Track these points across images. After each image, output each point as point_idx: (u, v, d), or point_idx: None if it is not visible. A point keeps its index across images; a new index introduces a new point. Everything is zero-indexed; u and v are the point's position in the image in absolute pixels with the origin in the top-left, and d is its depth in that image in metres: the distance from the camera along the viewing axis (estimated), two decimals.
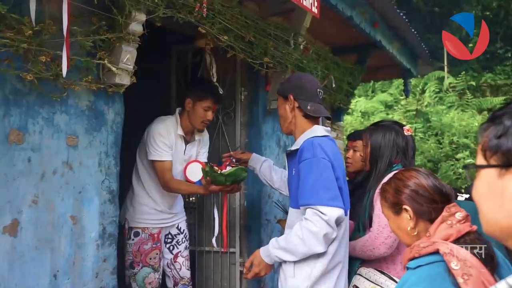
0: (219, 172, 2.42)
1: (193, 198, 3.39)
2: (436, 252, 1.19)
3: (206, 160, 2.87)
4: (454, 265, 1.11)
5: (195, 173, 2.63)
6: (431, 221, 1.38)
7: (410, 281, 1.16)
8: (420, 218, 1.43)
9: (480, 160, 0.75)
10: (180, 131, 2.65)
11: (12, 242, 1.72)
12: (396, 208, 1.48)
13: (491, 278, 1.13)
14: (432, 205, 1.41)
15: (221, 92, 2.83)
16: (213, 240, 2.87)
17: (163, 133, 2.57)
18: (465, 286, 1.08)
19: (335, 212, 1.81)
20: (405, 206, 1.45)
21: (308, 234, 1.83)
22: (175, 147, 2.65)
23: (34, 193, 1.81)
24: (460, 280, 1.09)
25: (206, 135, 2.91)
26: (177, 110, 2.73)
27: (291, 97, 2.08)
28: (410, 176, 1.49)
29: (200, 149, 2.86)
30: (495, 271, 1.18)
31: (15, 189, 1.74)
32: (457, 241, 1.23)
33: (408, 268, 1.22)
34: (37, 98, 1.82)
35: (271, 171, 2.53)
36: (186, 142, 2.72)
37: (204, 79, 2.79)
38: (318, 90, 2.10)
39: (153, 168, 2.61)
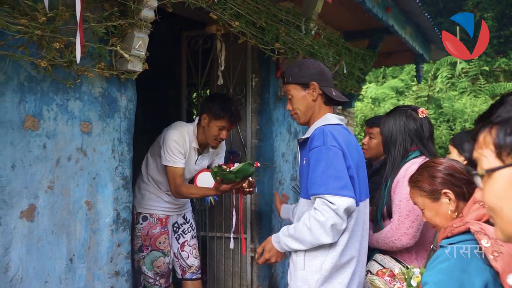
0: (227, 170, 2.44)
1: None
2: (468, 231, 1.24)
3: None
4: (484, 242, 1.16)
5: (206, 182, 2.65)
6: None
7: (441, 257, 1.23)
8: (461, 201, 1.49)
9: (493, 162, 0.74)
10: (195, 144, 2.67)
11: (30, 227, 1.76)
12: (435, 194, 1.53)
13: None
14: (470, 186, 1.47)
15: (239, 112, 2.74)
16: (231, 241, 2.81)
17: (178, 141, 2.59)
18: (495, 263, 1.12)
19: (344, 201, 1.74)
20: (444, 190, 1.51)
21: (315, 223, 1.78)
22: (188, 156, 2.67)
23: (50, 179, 1.84)
24: (490, 257, 1.13)
25: (221, 145, 2.89)
26: (196, 119, 2.72)
27: (316, 84, 1.98)
28: (440, 161, 1.56)
29: (215, 156, 2.88)
30: None
31: (31, 174, 1.77)
32: (489, 221, 1.27)
33: (441, 247, 1.28)
34: (51, 84, 1.83)
35: None
36: (199, 153, 2.74)
37: (224, 96, 2.74)
38: (331, 75, 2.10)
39: (165, 171, 2.65)
